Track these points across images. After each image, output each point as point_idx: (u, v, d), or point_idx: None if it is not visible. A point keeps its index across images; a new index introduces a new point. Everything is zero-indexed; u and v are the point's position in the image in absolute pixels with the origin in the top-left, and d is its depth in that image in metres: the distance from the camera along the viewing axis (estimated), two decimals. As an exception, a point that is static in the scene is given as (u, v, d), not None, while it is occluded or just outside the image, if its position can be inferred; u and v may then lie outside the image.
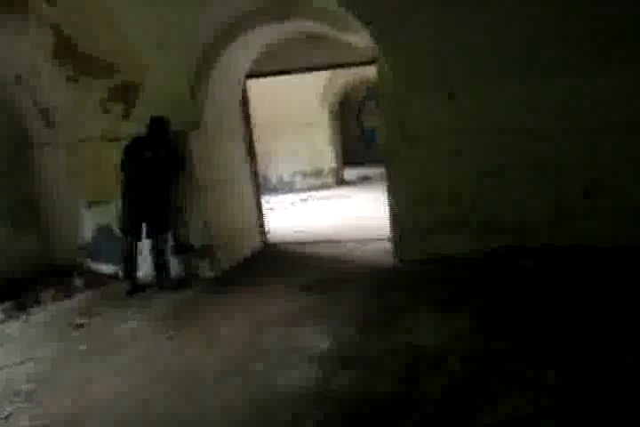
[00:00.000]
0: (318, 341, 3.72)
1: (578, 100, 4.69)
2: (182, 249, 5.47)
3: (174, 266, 5.48)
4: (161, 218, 5.16)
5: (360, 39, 5.17)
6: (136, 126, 5.29)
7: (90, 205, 5.87)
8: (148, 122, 5.07)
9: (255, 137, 6.72)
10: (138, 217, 5.11)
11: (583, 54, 4.53)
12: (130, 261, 5.21)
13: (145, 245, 5.29)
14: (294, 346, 3.68)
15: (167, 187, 5.19)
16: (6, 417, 3.14)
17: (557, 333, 3.47)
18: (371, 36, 4.77)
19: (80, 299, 5.27)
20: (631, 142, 4.65)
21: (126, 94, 5.37)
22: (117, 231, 5.62)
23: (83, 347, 4.06)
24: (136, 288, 5.20)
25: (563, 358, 3.13)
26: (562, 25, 4.45)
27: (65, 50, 5.11)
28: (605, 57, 4.51)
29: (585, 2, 4.31)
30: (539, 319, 3.70)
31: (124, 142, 5.16)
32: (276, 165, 12.07)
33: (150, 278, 5.38)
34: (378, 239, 6.43)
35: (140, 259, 5.29)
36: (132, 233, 5.13)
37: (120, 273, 5.61)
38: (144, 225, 5.16)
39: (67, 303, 5.16)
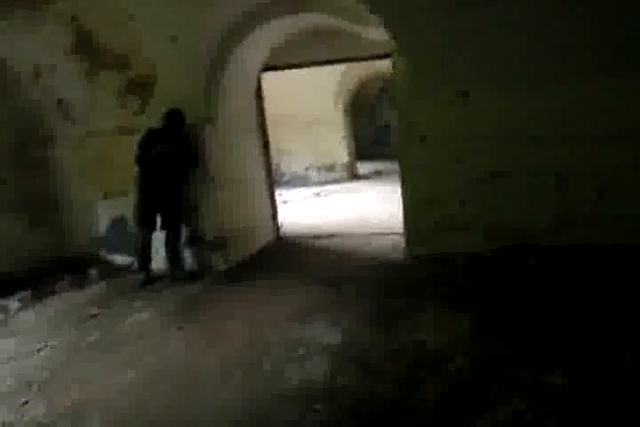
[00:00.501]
0: (322, 338, 3.73)
1: (581, 106, 4.67)
2: (193, 241, 5.50)
3: (188, 259, 5.52)
4: (175, 211, 5.20)
5: (375, 32, 5.15)
6: (151, 121, 5.32)
7: (104, 197, 5.92)
8: (163, 114, 5.09)
9: (269, 132, 6.73)
10: (152, 210, 5.16)
11: (587, 61, 4.51)
12: (144, 254, 5.26)
13: (159, 238, 5.32)
14: (298, 342, 3.69)
15: (181, 180, 5.23)
16: (22, 405, 3.19)
17: (559, 336, 3.44)
18: (385, 29, 4.75)
19: (94, 290, 5.33)
20: (633, 149, 4.62)
21: (141, 89, 5.40)
22: (131, 223, 5.69)
23: (92, 338, 4.12)
24: (149, 280, 5.26)
25: (565, 362, 3.11)
26: (567, 32, 4.42)
27: (82, 45, 5.16)
28: (610, 64, 4.49)
29: (591, 9, 4.27)
30: (541, 322, 3.68)
31: (138, 135, 5.19)
32: (290, 160, 12.12)
33: (163, 270, 5.43)
34: (388, 233, 6.43)
35: (153, 251, 5.33)
36: (146, 225, 5.17)
37: (134, 264, 5.67)
38: (158, 217, 5.19)
39: (81, 294, 5.23)
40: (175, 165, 5.13)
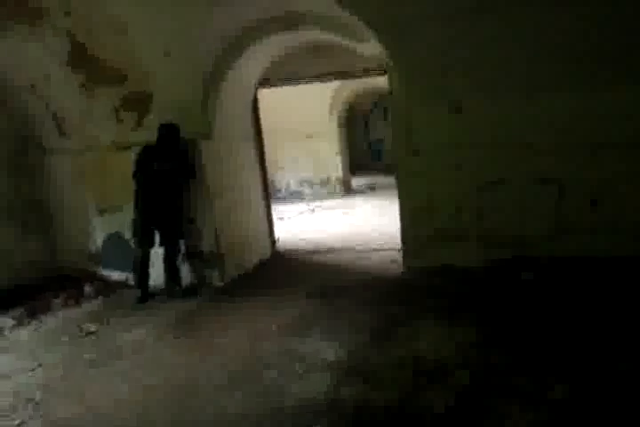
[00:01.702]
0: (320, 350, 3.72)
1: (579, 114, 4.71)
2: (192, 256, 5.48)
3: (185, 274, 5.49)
4: (173, 227, 5.19)
5: (369, 47, 5.20)
6: (147, 135, 5.33)
7: (100, 212, 5.89)
8: (158, 128, 5.08)
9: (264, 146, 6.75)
10: (150, 226, 5.14)
11: (585, 69, 4.54)
12: (143, 271, 5.23)
13: (156, 253, 5.30)
14: (297, 356, 3.67)
15: (178, 195, 5.21)
16: (18, 425, 3.15)
17: (558, 345, 3.46)
18: (379, 43, 4.79)
19: (90, 306, 5.29)
20: (632, 157, 4.65)
21: (138, 103, 5.40)
22: (127, 239, 5.67)
23: (90, 354, 4.08)
24: (146, 296, 5.22)
25: (564, 371, 3.12)
26: (564, 40, 4.46)
27: (79, 58, 5.17)
28: (608, 72, 4.53)
29: (588, 17, 4.31)
30: (539, 332, 3.70)
31: (135, 151, 5.19)
32: (284, 175, 12.15)
33: (161, 286, 5.39)
34: (383, 249, 6.44)
35: (150, 267, 5.30)
36: (144, 242, 5.15)
37: (129, 281, 5.64)
38: (156, 234, 5.18)
39: (76, 310, 5.18)
40: (172, 180, 5.13)
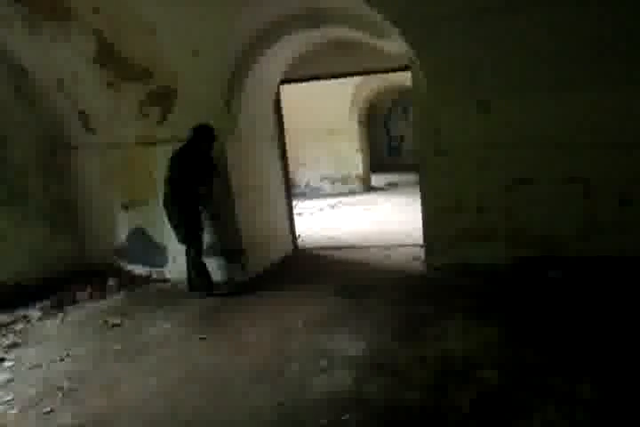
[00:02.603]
0: (347, 347, 3.73)
1: (608, 113, 4.65)
2: (215, 253, 5.50)
3: (212, 270, 5.48)
4: (197, 223, 5.18)
5: (394, 45, 5.19)
6: (172, 131, 5.39)
7: (125, 207, 5.97)
8: (191, 129, 5.04)
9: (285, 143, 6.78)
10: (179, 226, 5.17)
11: (614, 68, 4.49)
12: (201, 264, 5.29)
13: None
14: (323, 352, 3.69)
15: (203, 193, 5.18)
16: (48, 413, 3.21)
17: (589, 344, 3.42)
18: (406, 42, 4.78)
19: (115, 299, 5.36)
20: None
21: (162, 100, 5.45)
22: (151, 233, 5.76)
23: (117, 347, 4.14)
24: (191, 288, 5.33)
25: (596, 370, 3.09)
26: (594, 38, 4.41)
27: (106, 56, 5.23)
28: (637, 69, 4.46)
29: (617, 15, 4.26)
30: (568, 330, 3.67)
31: (163, 148, 5.25)
32: (305, 171, 12.20)
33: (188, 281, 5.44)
34: (405, 245, 6.43)
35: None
36: (179, 240, 5.22)
37: (155, 275, 5.80)
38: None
39: (102, 303, 5.26)
40: (199, 181, 5.07)
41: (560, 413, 2.67)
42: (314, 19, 5.26)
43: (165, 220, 5.21)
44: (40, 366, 3.91)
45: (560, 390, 2.89)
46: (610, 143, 4.69)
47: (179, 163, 5.00)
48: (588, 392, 2.83)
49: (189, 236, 5.17)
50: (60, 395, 3.41)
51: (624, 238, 4.74)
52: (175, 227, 5.15)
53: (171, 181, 5.03)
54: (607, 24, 4.32)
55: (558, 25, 4.42)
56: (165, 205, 5.13)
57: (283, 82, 6.47)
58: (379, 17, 4.72)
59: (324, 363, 3.50)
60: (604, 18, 4.30)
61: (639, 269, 4.54)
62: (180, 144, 5.09)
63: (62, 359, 3.98)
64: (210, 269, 5.35)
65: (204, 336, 4.18)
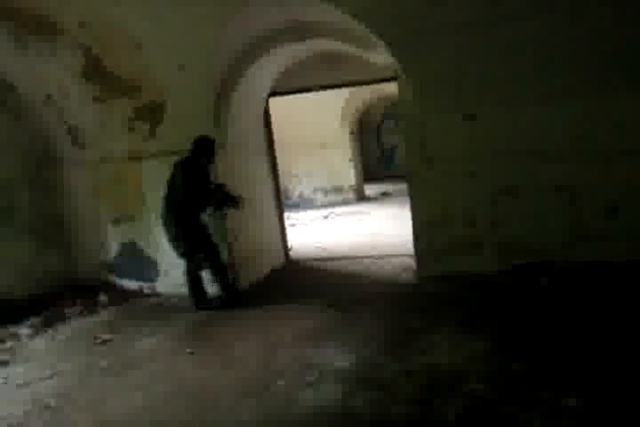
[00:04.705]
0: (335, 361, 3.70)
1: (593, 121, 4.71)
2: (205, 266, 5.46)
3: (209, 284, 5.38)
4: (193, 241, 5.08)
5: (380, 57, 5.23)
6: (160, 145, 5.41)
7: (115, 221, 5.96)
8: (193, 142, 4.98)
9: (277, 155, 6.80)
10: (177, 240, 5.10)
11: (599, 76, 4.55)
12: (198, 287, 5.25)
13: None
14: (311, 366, 3.66)
15: (199, 209, 5.08)
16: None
17: (576, 354, 3.41)
18: (392, 55, 4.82)
19: (104, 315, 5.34)
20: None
21: (151, 114, 5.47)
22: (142, 247, 5.75)
23: (104, 362, 4.12)
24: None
25: (583, 380, 3.08)
26: (578, 48, 4.47)
27: (93, 70, 5.26)
28: (621, 78, 4.52)
29: (603, 22, 4.31)
30: (556, 340, 3.66)
31: (152, 163, 5.24)
32: (298, 182, 12.23)
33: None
34: (397, 255, 6.43)
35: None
36: (178, 254, 5.16)
37: (146, 289, 5.78)
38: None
39: (91, 319, 5.23)
40: (198, 195, 4.97)
41: (545, 425, 2.66)
42: (300, 32, 5.31)
43: (156, 234, 5.19)
44: (28, 384, 3.87)
45: (546, 403, 2.88)
46: (596, 151, 4.75)
47: (179, 175, 4.94)
48: (574, 405, 2.82)
49: (192, 250, 5.08)
50: (47, 414, 3.38)
51: (611, 246, 4.77)
52: (173, 240, 5.07)
53: (169, 195, 5.00)
54: (590, 36, 4.38)
55: (542, 37, 4.49)
56: (163, 218, 5.07)
57: (271, 95, 6.51)
58: (365, 30, 4.77)
59: (311, 377, 3.47)
60: (587, 29, 4.36)
61: (626, 276, 4.55)
62: (178, 158, 5.05)
63: (50, 378, 3.94)
64: (211, 283, 5.28)
65: (192, 351, 4.16)
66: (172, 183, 5.00)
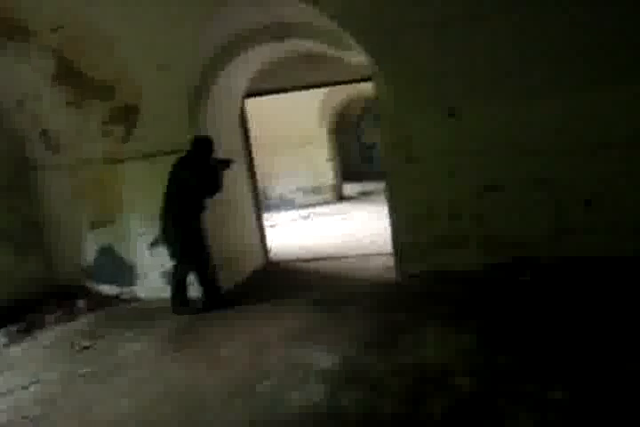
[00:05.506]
0: (322, 360, 3.69)
1: (575, 116, 4.76)
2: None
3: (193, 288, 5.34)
4: (186, 242, 5.04)
5: (358, 57, 5.24)
6: (137, 146, 5.35)
7: (92, 226, 5.87)
8: (191, 143, 4.97)
9: (255, 155, 6.78)
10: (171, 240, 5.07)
11: (580, 71, 4.60)
12: (181, 288, 5.20)
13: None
14: (298, 366, 3.65)
15: (196, 211, 5.07)
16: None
17: (561, 347, 3.45)
18: (368, 55, 4.83)
19: (84, 321, 5.26)
20: (629, 157, 4.69)
21: (126, 116, 5.42)
22: (119, 250, 5.67)
23: (87, 369, 4.05)
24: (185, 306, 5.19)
25: (568, 373, 3.11)
26: (558, 42, 4.52)
27: (65, 74, 5.18)
28: (602, 73, 4.58)
29: (580, 19, 4.37)
30: (542, 334, 3.69)
31: (129, 165, 5.21)
32: (277, 183, 12.15)
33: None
34: (378, 254, 6.45)
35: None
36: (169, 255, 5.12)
37: (124, 295, 5.69)
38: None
39: (71, 325, 5.15)
40: (195, 194, 4.98)
41: (532, 419, 2.69)
42: (278, 32, 5.31)
43: (134, 237, 5.12)
44: (10, 392, 3.80)
45: (532, 396, 2.91)
46: (577, 144, 4.79)
47: (175, 176, 4.92)
48: (560, 397, 2.85)
49: (184, 252, 5.03)
50: (30, 423, 3.32)
51: (593, 239, 4.83)
52: (168, 242, 5.04)
53: (167, 195, 4.96)
54: (574, 27, 4.43)
55: (522, 32, 4.52)
56: (161, 218, 5.03)
57: (249, 95, 6.48)
58: (340, 30, 4.77)
59: (298, 377, 3.47)
60: (569, 24, 4.42)
61: (609, 269, 4.61)
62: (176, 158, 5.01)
63: (32, 385, 3.88)
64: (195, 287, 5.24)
65: (177, 354, 4.12)
66: (171, 183, 4.95)
